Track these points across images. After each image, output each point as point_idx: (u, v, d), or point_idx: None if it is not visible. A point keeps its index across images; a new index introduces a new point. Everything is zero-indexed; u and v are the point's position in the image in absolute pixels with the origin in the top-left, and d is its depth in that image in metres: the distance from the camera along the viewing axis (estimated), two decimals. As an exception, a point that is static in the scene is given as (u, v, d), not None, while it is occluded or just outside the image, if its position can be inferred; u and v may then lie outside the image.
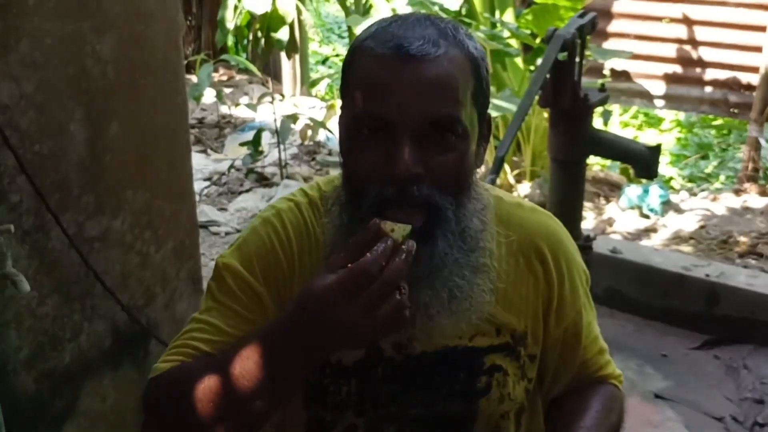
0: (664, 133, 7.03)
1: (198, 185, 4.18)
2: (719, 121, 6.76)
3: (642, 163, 3.03)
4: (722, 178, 6.19)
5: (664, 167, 6.19)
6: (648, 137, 6.75)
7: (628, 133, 6.64)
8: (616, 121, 6.90)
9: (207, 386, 1.07)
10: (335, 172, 1.28)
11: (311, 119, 4.49)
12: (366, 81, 1.10)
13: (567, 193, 3.17)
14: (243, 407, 1.06)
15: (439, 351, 1.23)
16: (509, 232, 1.25)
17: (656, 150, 3.01)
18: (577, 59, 2.98)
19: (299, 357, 1.03)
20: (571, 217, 3.21)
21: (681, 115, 6.91)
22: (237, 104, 5.64)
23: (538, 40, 4.32)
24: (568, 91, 3.00)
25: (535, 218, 1.31)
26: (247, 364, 1.04)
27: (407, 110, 1.06)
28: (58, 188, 1.88)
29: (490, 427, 1.27)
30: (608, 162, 5.29)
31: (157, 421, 1.15)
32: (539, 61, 4.32)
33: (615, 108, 6.23)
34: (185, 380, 1.09)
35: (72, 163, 1.90)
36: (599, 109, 4.34)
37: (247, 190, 4.57)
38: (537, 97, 2.98)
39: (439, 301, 1.12)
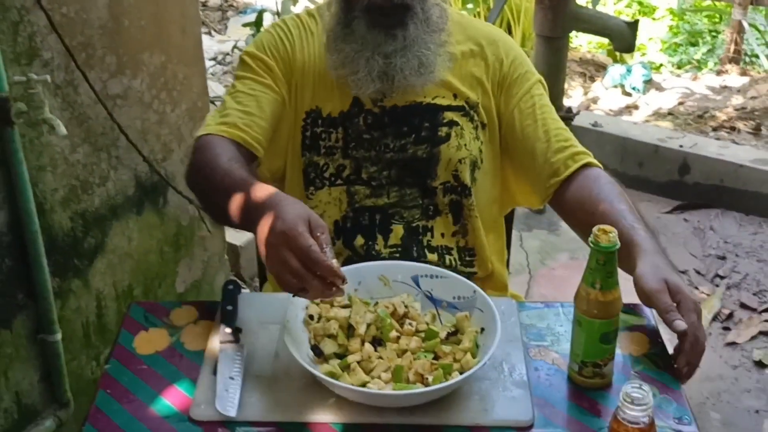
0: (657, 21, 7.14)
1: (203, 65, 4.37)
2: (709, 6, 6.84)
3: (621, 37, 3.23)
4: (710, 64, 6.35)
5: (656, 54, 6.34)
6: (642, 26, 6.86)
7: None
8: (611, 10, 7.01)
9: (204, 171, 1.48)
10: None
11: (311, 1, 4.64)
12: None
13: (551, 67, 3.38)
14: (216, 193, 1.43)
15: (407, 105, 1.63)
16: (465, 31, 1.68)
17: (634, 25, 3.21)
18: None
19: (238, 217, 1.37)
20: (554, 90, 3.43)
21: (673, 3, 7.00)
22: (239, -12, 5.76)
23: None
24: (552, -32, 3.18)
25: (489, 27, 1.75)
26: (226, 189, 1.39)
27: None
28: (84, 48, 2.06)
29: (449, 170, 1.63)
30: (594, 42, 5.44)
31: (189, 164, 1.57)
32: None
33: (609, -5, 6.34)
34: (202, 154, 1.52)
35: (95, 26, 2.08)
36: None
37: (250, 70, 4.76)
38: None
39: (410, 66, 1.55)
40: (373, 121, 1.62)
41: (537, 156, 1.61)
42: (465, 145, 1.63)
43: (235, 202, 1.35)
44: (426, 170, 1.63)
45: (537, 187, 1.64)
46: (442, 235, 1.65)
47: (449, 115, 1.63)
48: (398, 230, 1.63)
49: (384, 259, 1.61)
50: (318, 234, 1.23)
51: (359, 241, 1.63)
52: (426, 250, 1.63)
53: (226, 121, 1.57)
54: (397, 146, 1.62)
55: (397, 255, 1.62)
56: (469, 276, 1.64)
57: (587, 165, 1.60)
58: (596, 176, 1.58)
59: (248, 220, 1.32)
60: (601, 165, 1.62)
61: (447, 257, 1.65)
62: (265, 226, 1.25)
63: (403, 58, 1.54)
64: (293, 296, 1.28)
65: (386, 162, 1.62)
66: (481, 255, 1.68)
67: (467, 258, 1.67)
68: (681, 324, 1.30)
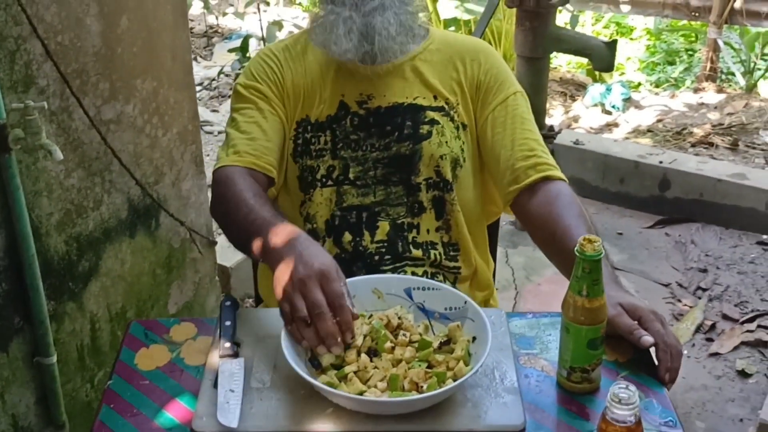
0: (635, 41, 7.26)
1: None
2: (685, 26, 6.97)
3: (600, 57, 3.31)
4: (688, 82, 6.46)
5: (634, 73, 6.45)
6: (620, 46, 6.95)
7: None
8: (589, 31, 7.12)
9: (229, 206, 1.59)
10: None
11: (296, 26, 4.71)
12: None
13: (532, 87, 3.45)
14: (239, 227, 1.56)
15: (390, 106, 1.73)
16: (448, 41, 1.79)
17: (613, 45, 3.29)
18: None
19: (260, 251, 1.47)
20: (535, 110, 3.50)
21: (650, 23, 7.12)
22: (224, 14, 5.82)
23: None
24: (532, -9, 3.26)
25: (474, 40, 1.85)
26: (250, 225, 1.51)
27: None
28: (79, 75, 2.10)
29: (431, 166, 1.72)
30: (574, 63, 5.53)
31: (212, 198, 1.69)
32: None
33: (588, 17, 6.44)
34: (226, 188, 1.63)
35: (89, 53, 2.12)
36: (567, 17, 4.58)
37: (236, 95, 4.82)
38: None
39: (389, 25, 1.63)
40: (359, 122, 1.72)
41: (500, 162, 1.70)
42: (446, 142, 1.72)
43: (260, 240, 1.45)
44: (409, 166, 1.72)
45: (500, 192, 1.73)
46: (428, 231, 1.73)
47: (430, 114, 1.73)
48: (384, 226, 1.71)
49: (371, 253, 1.69)
50: (342, 284, 1.35)
51: (347, 237, 1.71)
52: (411, 246, 1.71)
53: (237, 151, 1.67)
54: (381, 145, 1.72)
55: (383, 250, 1.70)
56: (455, 273, 1.74)
57: (549, 177, 1.65)
58: (558, 193, 1.64)
59: (271, 257, 1.42)
60: (566, 179, 1.68)
61: (432, 252, 1.72)
62: (292, 263, 1.35)
63: (381, 17, 1.62)
64: (286, 327, 1.36)
65: (372, 161, 1.72)
66: (465, 250, 1.76)
67: (451, 252, 1.75)
68: (648, 339, 1.37)
